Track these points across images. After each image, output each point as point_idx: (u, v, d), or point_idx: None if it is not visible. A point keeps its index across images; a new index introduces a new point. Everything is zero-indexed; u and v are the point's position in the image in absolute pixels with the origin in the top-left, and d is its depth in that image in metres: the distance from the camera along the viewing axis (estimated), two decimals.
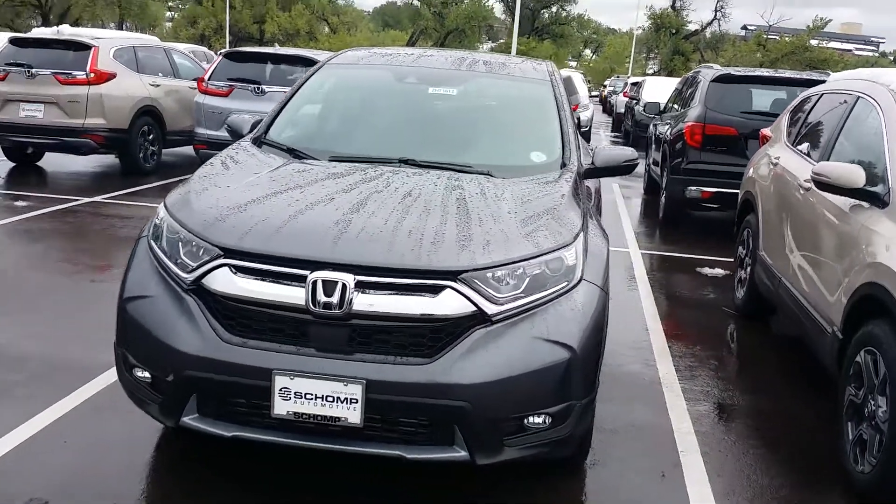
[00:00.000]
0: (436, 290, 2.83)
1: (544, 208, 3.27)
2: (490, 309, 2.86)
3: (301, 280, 2.83)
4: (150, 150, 10.82)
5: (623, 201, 11.33)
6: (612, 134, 25.12)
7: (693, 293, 6.82)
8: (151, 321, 3.00)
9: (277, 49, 12.05)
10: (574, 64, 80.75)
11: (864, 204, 3.90)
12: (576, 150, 3.99)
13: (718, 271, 7.46)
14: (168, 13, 77.88)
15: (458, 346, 2.82)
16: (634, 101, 20.02)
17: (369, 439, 2.87)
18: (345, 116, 4.42)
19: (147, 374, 3.01)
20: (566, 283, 3.03)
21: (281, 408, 2.82)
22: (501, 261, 2.93)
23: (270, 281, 2.88)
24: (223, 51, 13.54)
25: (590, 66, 76.32)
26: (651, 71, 61.74)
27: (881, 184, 3.83)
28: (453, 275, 2.85)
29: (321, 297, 2.79)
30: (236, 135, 4.27)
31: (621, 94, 25.58)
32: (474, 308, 2.84)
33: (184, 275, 2.99)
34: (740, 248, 6.29)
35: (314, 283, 2.81)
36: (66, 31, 10.83)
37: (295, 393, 2.80)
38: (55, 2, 60.76)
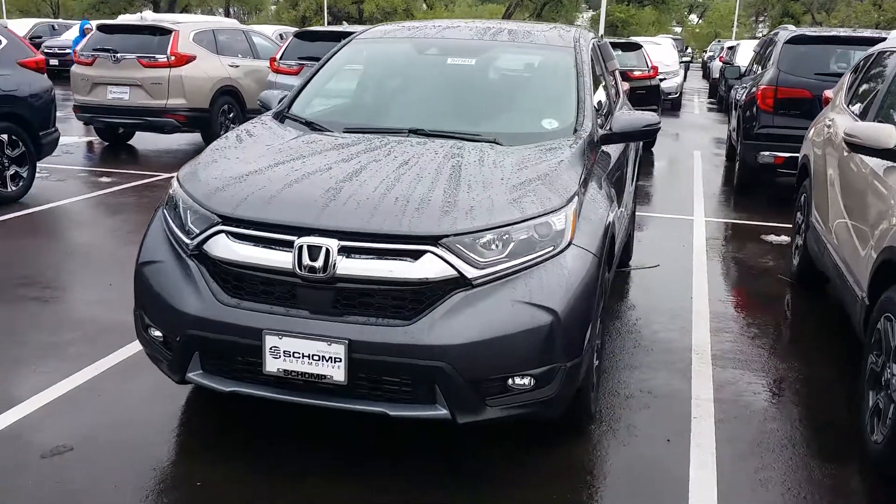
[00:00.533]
0: (416, 254, 2.92)
1: (538, 174, 3.29)
2: (470, 273, 2.93)
3: (289, 245, 2.97)
4: (230, 127, 11.25)
5: (701, 169, 11.05)
6: (708, 100, 24.32)
7: (751, 261, 6.64)
8: (161, 284, 3.21)
9: (346, 27, 12.27)
10: (679, 30, 78.20)
11: None
12: (591, 116, 3.96)
13: (784, 238, 7.23)
14: None
15: (438, 309, 2.90)
16: (728, 66, 19.35)
17: (354, 396, 2.99)
18: (364, 89, 4.53)
19: (159, 334, 3.23)
20: (552, 248, 3.06)
21: (272, 365, 2.98)
22: (483, 226, 2.98)
23: (262, 246, 3.03)
24: (294, 31, 13.93)
25: (695, 32, 73.74)
26: (760, 35, 59.17)
27: None
28: (434, 240, 2.93)
29: (307, 262, 2.93)
30: (267, 109, 4.44)
31: (717, 59, 24.71)
32: (455, 272, 2.91)
33: (187, 241, 3.18)
34: (798, 213, 6.08)
35: (300, 248, 2.94)
36: (148, 17, 11.35)
37: (284, 352, 2.95)
38: None
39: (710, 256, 6.63)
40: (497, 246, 3.00)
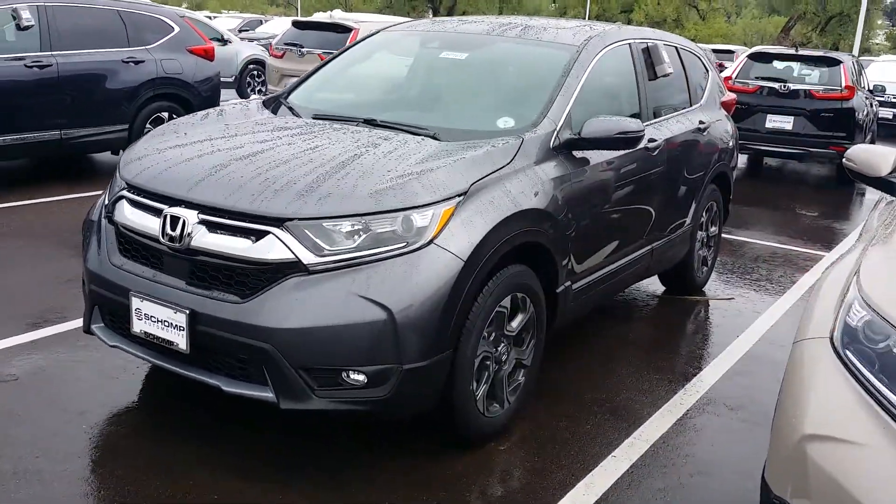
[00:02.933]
0: (260, 234, 2.95)
1: (424, 169, 3.15)
2: (307, 258, 2.90)
3: (160, 214, 3.13)
4: None
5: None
6: None
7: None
8: (88, 240, 3.52)
9: None
10: None
11: None
12: (557, 118, 3.71)
13: None
14: (551, 5, 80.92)
15: (271, 291, 2.91)
16: None
17: (198, 366, 3.08)
18: (354, 79, 4.57)
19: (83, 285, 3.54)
20: (404, 245, 2.94)
21: (137, 326, 3.15)
22: (332, 213, 2.94)
23: (143, 213, 3.22)
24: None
25: None
26: None
27: None
28: (279, 222, 2.93)
29: (168, 231, 3.06)
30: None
31: None
32: (292, 256, 2.90)
33: (106, 203, 3.46)
34: None
35: (165, 217, 3.09)
36: (336, 16, 12.09)
37: (144, 314, 3.12)
38: None
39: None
40: (349, 235, 2.94)
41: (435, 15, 66.15)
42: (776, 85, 10.88)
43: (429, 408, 3.13)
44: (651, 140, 4.43)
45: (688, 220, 5.14)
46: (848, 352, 2.21)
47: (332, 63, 4.60)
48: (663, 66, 4.73)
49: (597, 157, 3.92)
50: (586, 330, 4.79)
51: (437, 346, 2.98)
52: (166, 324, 3.05)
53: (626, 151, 4.08)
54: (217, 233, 3.02)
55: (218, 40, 15.93)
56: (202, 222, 3.03)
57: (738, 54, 24.86)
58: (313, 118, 3.93)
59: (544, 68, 4.06)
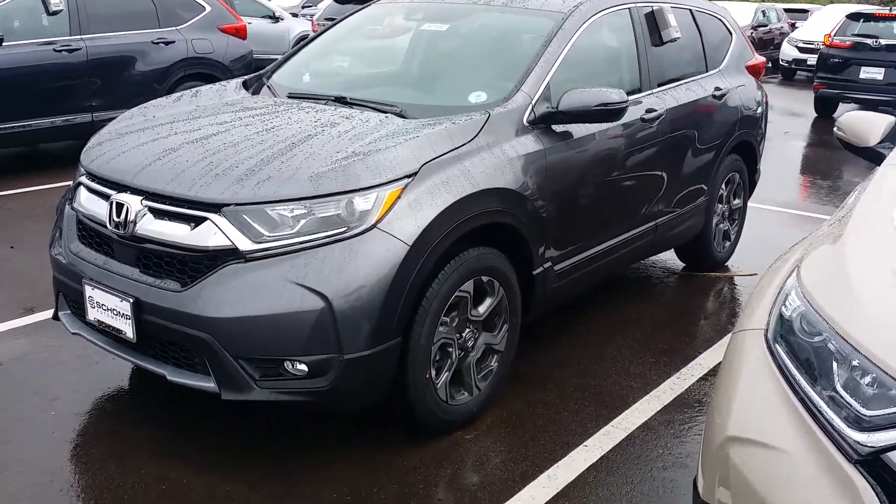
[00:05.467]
0: (199, 220, 2.88)
1: (375, 149, 3.02)
2: (244, 245, 2.82)
3: (108, 199, 3.09)
4: None
5: None
6: None
7: None
8: (56, 228, 3.52)
9: None
10: None
11: None
12: (532, 91, 3.52)
13: None
14: None
15: (209, 279, 2.84)
16: None
17: (147, 354, 3.05)
18: (336, 55, 4.44)
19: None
20: (344, 229, 2.83)
21: (91, 314, 3.14)
22: (268, 197, 2.85)
23: (96, 198, 3.19)
24: None
25: None
26: None
27: None
28: (216, 207, 2.86)
29: (114, 217, 3.03)
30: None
31: None
32: (229, 242, 2.82)
33: (70, 190, 3.45)
34: None
35: (111, 203, 3.05)
36: None
37: (96, 302, 3.10)
38: None
39: None
40: (290, 221, 2.84)
41: None
42: (869, 41, 12.66)
43: (379, 398, 3.03)
44: (650, 110, 4.18)
45: (702, 193, 4.87)
46: (778, 346, 2.00)
47: (318, 39, 4.48)
48: (669, 30, 4.45)
49: (581, 130, 3.71)
50: (588, 309, 4.60)
51: (381, 334, 2.86)
52: (115, 312, 3.02)
53: (617, 123, 3.85)
54: (160, 219, 2.96)
55: (270, 17, 16.01)
56: (146, 209, 2.98)
57: (811, 13, 23.73)
58: (288, 97, 3.83)
59: (525, 38, 3.87)
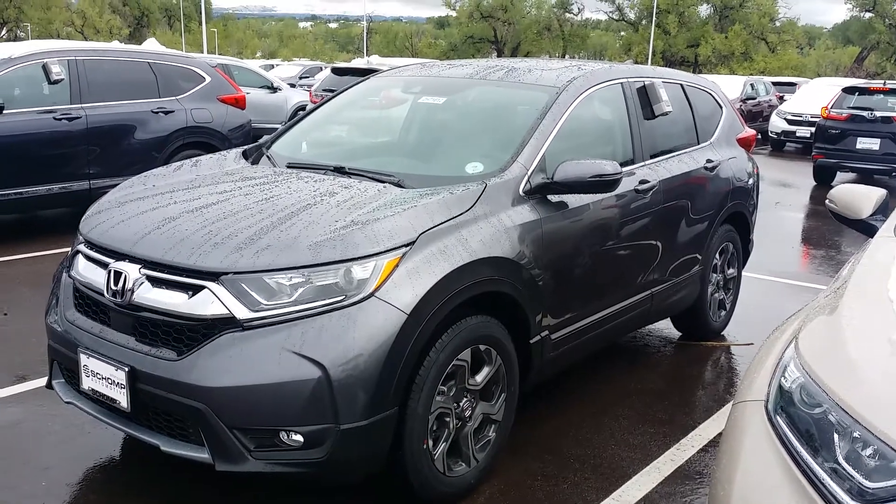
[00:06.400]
0: (196, 289, 2.88)
1: (374, 218, 3.05)
2: (241, 314, 2.81)
3: (107, 268, 3.09)
4: None
5: None
6: None
7: None
8: (52, 296, 3.52)
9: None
10: None
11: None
12: (527, 162, 3.57)
13: None
14: (616, 43, 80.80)
15: (205, 348, 2.83)
16: None
17: (141, 424, 3.01)
18: (335, 126, 4.51)
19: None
20: (342, 298, 2.83)
21: (85, 383, 3.12)
22: (267, 266, 2.85)
23: (94, 267, 3.20)
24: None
25: None
26: None
27: None
28: (214, 276, 2.86)
29: (112, 286, 3.03)
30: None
31: None
32: (226, 311, 2.82)
33: (67, 258, 3.46)
34: None
35: (110, 271, 3.05)
36: (374, 61, 12.19)
37: (91, 371, 3.08)
38: (508, 38, 68.25)
39: None
40: (288, 289, 2.85)
41: (499, 56, 66.80)
42: (865, 113, 13.26)
43: (376, 469, 2.99)
44: (643, 181, 4.24)
45: (697, 263, 4.90)
46: (779, 417, 2.00)
47: (317, 110, 4.56)
48: (661, 104, 4.55)
49: (576, 201, 3.76)
50: (585, 378, 4.58)
51: (378, 404, 2.84)
52: (109, 381, 3.00)
53: (611, 194, 3.90)
54: (158, 288, 2.97)
55: (269, 88, 16.29)
56: (145, 277, 2.99)
57: (799, 86, 24.27)
58: (287, 167, 3.88)
59: (520, 111, 3.95)
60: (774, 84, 25.42)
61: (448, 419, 3.17)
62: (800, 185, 13.90)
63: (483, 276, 3.20)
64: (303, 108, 16.33)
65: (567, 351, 3.83)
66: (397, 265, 2.93)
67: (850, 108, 13.67)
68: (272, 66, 30.29)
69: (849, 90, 14.17)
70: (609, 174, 3.54)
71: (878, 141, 12.96)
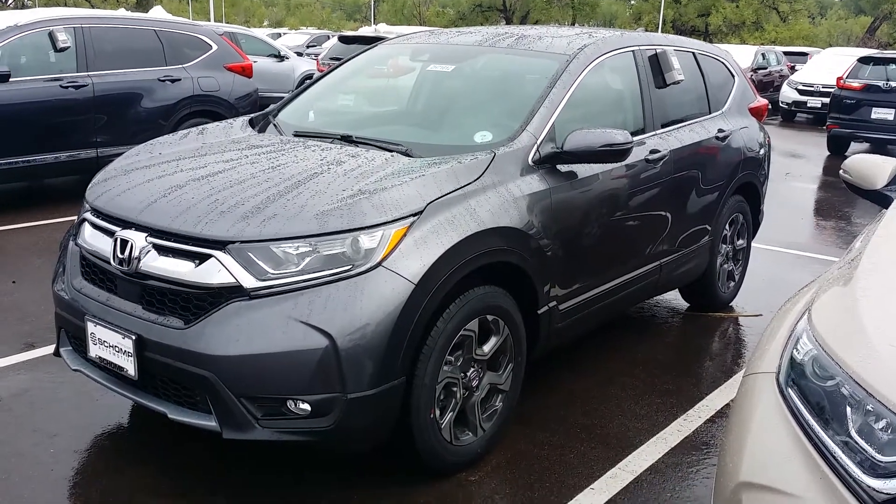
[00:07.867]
0: (202, 257, 2.86)
1: (382, 187, 3.02)
2: (248, 282, 2.80)
3: (113, 236, 3.08)
4: None
5: None
6: None
7: None
8: (59, 264, 3.51)
9: None
10: None
11: None
12: (536, 131, 3.52)
13: None
14: (627, 12, 79.86)
15: (212, 316, 2.82)
16: None
17: (147, 392, 3.02)
18: (342, 94, 4.46)
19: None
20: (349, 267, 2.81)
21: (93, 350, 3.11)
22: (273, 235, 2.83)
23: (101, 235, 3.18)
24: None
25: None
26: None
27: None
28: (221, 245, 2.84)
29: (118, 254, 3.01)
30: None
31: None
32: (233, 280, 2.81)
33: (73, 226, 3.44)
34: None
35: (116, 239, 3.04)
36: (381, 30, 12.06)
37: (98, 339, 3.07)
38: (517, 6, 67.35)
39: None
40: (295, 258, 2.83)
41: (508, 24, 66.19)
42: (880, 83, 13.36)
43: (383, 439, 2.99)
44: (653, 151, 4.19)
45: (706, 233, 4.86)
46: (790, 390, 1.97)
47: (324, 78, 4.51)
48: (672, 73, 4.48)
49: (586, 170, 3.72)
50: (593, 349, 4.57)
51: (385, 373, 2.83)
52: (117, 349, 3.00)
53: (621, 164, 3.86)
54: (165, 256, 2.95)
55: (276, 56, 16.18)
56: (151, 245, 2.97)
57: (811, 56, 23.99)
58: (294, 135, 3.84)
59: (530, 79, 3.89)
60: (786, 54, 25.11)
61: (455, 389, 3.17)
62: (810, 156, 13.78)
63: (491, 246, 3.17)
64: (310, 76, 16.22)
65: (575, 321, 3.82)
66: (405, 235, 2.91)
67: (865, 77, 13.74)
68: (279, 35, 30.06)
69: (864, 60, 14.20)
70: (619, 143, 3.50)
71: (892, 111, 13.04)
